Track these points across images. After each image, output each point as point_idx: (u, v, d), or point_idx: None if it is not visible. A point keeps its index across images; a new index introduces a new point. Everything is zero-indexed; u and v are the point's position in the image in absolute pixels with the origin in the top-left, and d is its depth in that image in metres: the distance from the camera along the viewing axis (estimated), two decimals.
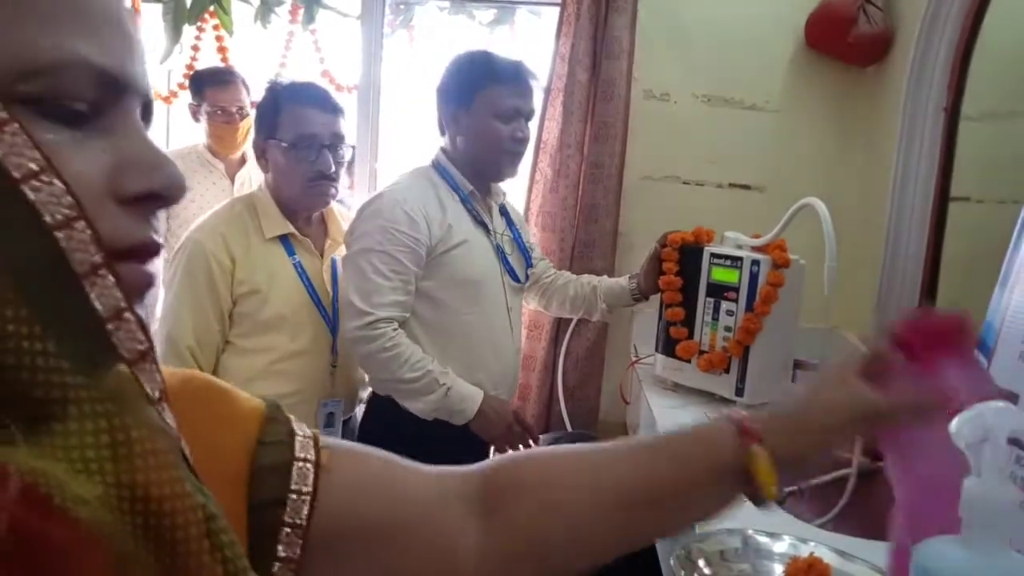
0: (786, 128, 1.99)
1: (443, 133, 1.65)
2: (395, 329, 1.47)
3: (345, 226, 1.65)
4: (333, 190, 1.57)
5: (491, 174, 1.63)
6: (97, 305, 0.29)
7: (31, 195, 0.28)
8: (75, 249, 0.29)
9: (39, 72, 0.31)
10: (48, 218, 0.28)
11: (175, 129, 2.69)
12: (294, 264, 1.54)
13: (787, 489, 1.29)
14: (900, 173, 1.55)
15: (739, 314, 1.49)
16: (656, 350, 1.68)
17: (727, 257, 1.52)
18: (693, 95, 2.01)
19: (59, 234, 0.28)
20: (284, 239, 1.54)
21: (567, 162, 1.97)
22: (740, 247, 1.55)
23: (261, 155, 1.54)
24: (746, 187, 2.02)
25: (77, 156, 0.32)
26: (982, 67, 1.41)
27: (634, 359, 1.86)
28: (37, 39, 0.31)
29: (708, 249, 1.56)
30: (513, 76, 1.58)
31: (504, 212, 1.74)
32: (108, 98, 0.34)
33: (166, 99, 2.48)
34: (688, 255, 1.61)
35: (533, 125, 1.97)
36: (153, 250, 0.36)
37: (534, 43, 2.41)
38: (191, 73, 2.34)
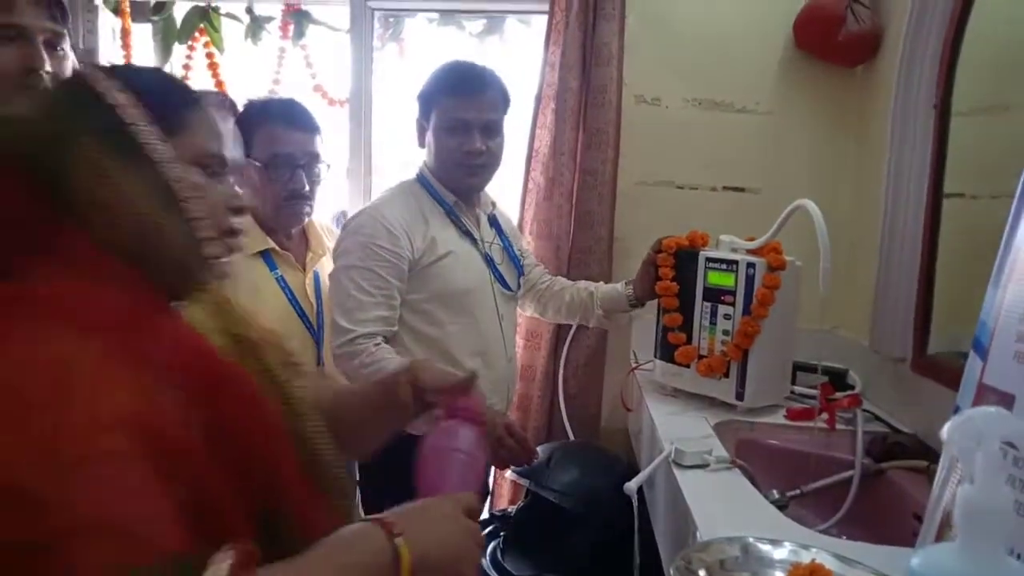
0: (778, 130, 1.99)
1: (421, 146, 1.66)
2: (376, 344, 1.46)
3: (327, 239, 1.65)
4: (308, 208, 1.58)
5: (457, 187, 1.62)
6: (209, 250, 0.73)
7: (188, 208, 0.70)
8: (199, 228, 0.71)
9: (208, 156, 0.74)
10: (191, 213, 0.70)
11: None
12: (276, 279, 1.54)
13: (789, 494, 1.29)
14: (893, 171, 1.55)
15: (736, 317, 1.49)
16: (655, 356, 1.67)
17: (722, 261, 1.52)
18: (684, 99, 2.01)
19: (194, 223, 0.70)
20: (265, 254, 1.54)
21: (560, 170, 1.97)
22: (735, 250, 1.55)
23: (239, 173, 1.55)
24: (740, 190, 2.02)
25: (215, 188, 0.74)
26: (971, 62, 1.41)
27: (634, 365, 1.85)
28: (207, 143, 0.74)
29: (703, 253, 1.56)
30: (462, 88, 1.56)
31: (494, 222, 1.73)
32: (219, 166, 0.76)
33: None
34: (684, 260, 1.60)
35: (524, 134, 1.98)
36: (239, 231, 0.78)
37: (524, 52, 2.41)
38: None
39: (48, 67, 1.33)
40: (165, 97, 0.72)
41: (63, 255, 0.64)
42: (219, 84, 2.43)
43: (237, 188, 0.79)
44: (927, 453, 1.30)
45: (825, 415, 1.44)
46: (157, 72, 0.79)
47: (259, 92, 2.30)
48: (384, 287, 1.50)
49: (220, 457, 0.62)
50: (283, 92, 2.39)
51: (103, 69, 0.72)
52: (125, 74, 0.72)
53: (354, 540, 0.64)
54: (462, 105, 1.55)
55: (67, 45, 1.38)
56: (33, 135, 0.66)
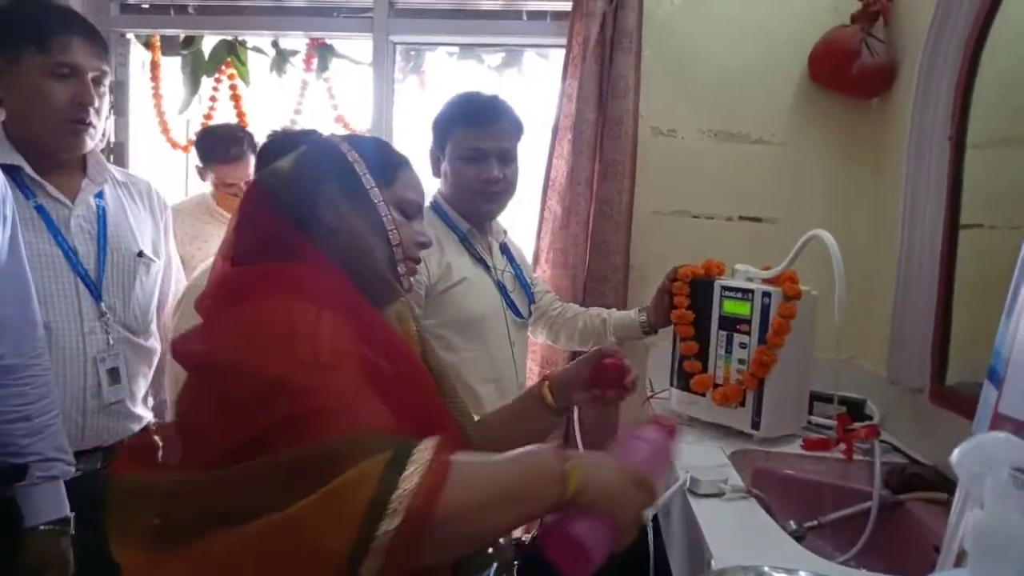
0: (794, 161, 2.00)
1: (436, 175, 1.69)
2: None
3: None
4: None
5: (472, 215, 1.65)
6: (400, 269, 0.97)
7: (391, 237, 0.96)
8: (398, 252, 0.96)
9: (405, 202, 0.99)
10: (391, 236, 0.96)
11: (193, 177, 2.75)
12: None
13: (807, 524, 1.27)
14: (909, 203, 1.55)
15: (752, 346, 1.49)
16: (671, 384, 1.67)
17: (738, 290, 1.52)
18: (699, 131, 2.03)
19: (393, 248, 0.96)
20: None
21: (577, 199, 1.99)
22: (751, 279, 1.55)
23: None
24: (757, 219, 2.03)
25: (410, 227, 0.99)
26: (987, 94, 1.42)
27: (650, 394, 1.85)
28: (406, 194, 1.00)
29: (719, 282, 1.57)
30: (477, 118, 1.60)
31: (505, 250, 1.75)
32: (415, 212, 1.01)
33: (184, 148, 2.54)
34: (699, 288, 1.61)
35: (541, 164, 2.01)
36: (419, 259, 1.02)
37: (542, 84, 2.45)
38: (200, 132, 2.31)
39: (96, 103, 1.40)
40: (381, 157, 1.00)
41: (305, 260, 0.90)
42: (240, 115, 2.49)
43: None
44: (946, 484, 1.29)
45: (842, 445, 1.43)
46: (376, 139, 1.09)
47: (282, 123, 2.36)
48: None
49: (403, 413, 0.82)
50: (306, 123, 2.44)
51: (342, 136, 1.02)
52: (352, 140, 1.01)
53: (534, 453, 0.80)
54: (479, 135, 1.59)
55: (108, 82, 1.44)
56: (298, 181, 0.93)
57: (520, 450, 0.79)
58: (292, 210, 0.91)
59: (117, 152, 2.40)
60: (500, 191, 1.63)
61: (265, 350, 0.77)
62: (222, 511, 0.69)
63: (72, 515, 1.25)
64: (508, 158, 1.63)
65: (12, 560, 1.19)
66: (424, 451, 0.70)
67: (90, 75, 1.39)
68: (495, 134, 1.60)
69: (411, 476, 0.67)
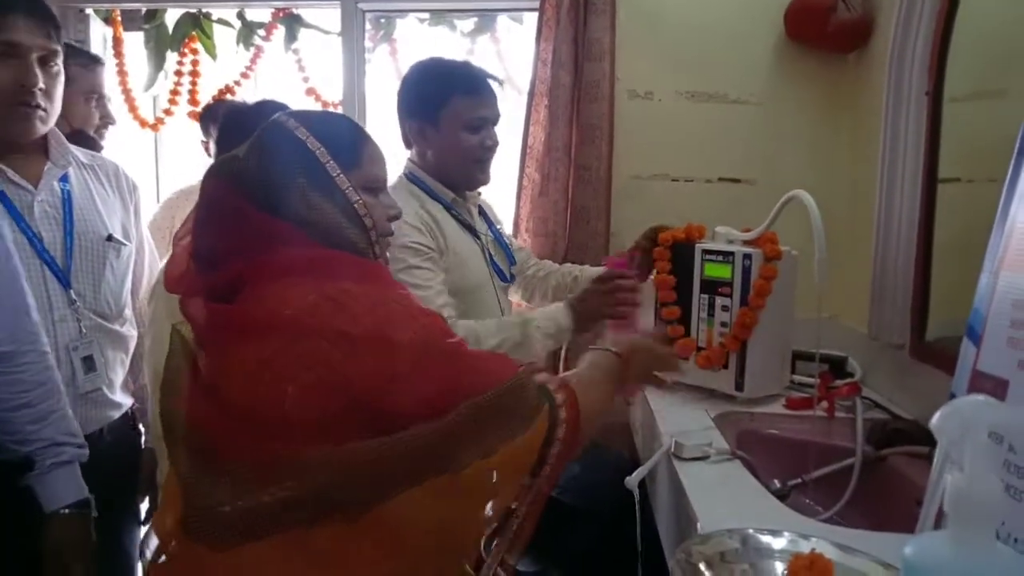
0: (772, 120, 1.99)
1: (408, 146, 1.64)
2: (451, 319, 1.43)
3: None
4: None
5: (464, 184, 1.62)
6: (376, 250, 0.99)
7: (362, 215, 0.96)
8: (371, 229, 0.97)
9: (373, 180, 0.99)
10: (366, 221, 0.97)
11: (163, 154, 2.70)
12: None
13: (791, 483, 1.29)
14: (887, 158, 1.54)
15: (734, 309, 1.49)
16: None
17: (719, 252, 1.52)
18: (677, 92, 2.00)
19: (366, 222, 0.97)
20: None
21: (555, 165, 1.97)
22: (731, 242, 1.54)
23: None
24: (736, 180, 2.02)
25: (380, 203, 1.00)
26: (964, 47, 1.40)
27: None
28: (373, 171, 1.00)
29: (699, 245, 1.56)
30: (474, 85, 1.57)
31: (483, 213, 1.73)
32: (383, 185, 1.02)
33: (153, 126, 2.48)
34: (680, 252, 1.60)
35: (518, 131, 1.98)
36: (392, 232, 1.04)
37: (516, 49, 2.41)
38: (208, 105, 2.22)
39: (41, 83, 1.34)
40: (343, 138, 0.97)
41: (291, 244, 0.90)
42: (194, 92, 2.41)
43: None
44: (928, 439, 1.30)
45: (825, 403, 1.44)
46: (333, 117, 1.07)
47: (251, 95, 2.30)
48: (431, 278, 1.48)
49: None
50: (262, 93, 2.38)
51: (296, 117, 0.97)
52: (310, 121, 0.96)
53: (598, 356, 1.08)
54: (482, 103, 1.56)
55: (60, 61, 1.38)
56: (264, 177, 0.92)
57: (589, 360, 1.06)
58: (267, 206, 0.91)
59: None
60: (492, 158, 1.62)
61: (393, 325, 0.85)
62: (407, 472, 0.82)
63: (92, 497, 1.24)
64: (497, 124, 1.62)
65: (34, 549, 1.18)
66: (557, 391, 0.91)
67: (35, 55, 1.32)
68: (493, 101, 1.59)
69: (560, 409, 0.91)
